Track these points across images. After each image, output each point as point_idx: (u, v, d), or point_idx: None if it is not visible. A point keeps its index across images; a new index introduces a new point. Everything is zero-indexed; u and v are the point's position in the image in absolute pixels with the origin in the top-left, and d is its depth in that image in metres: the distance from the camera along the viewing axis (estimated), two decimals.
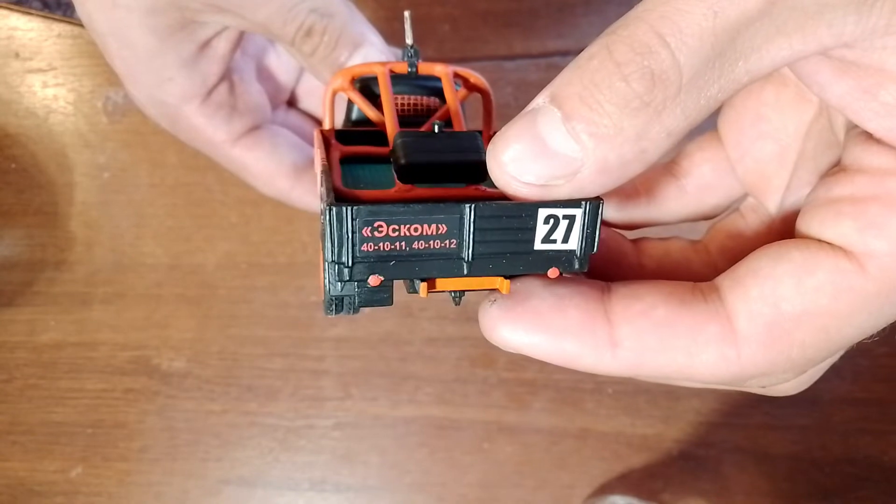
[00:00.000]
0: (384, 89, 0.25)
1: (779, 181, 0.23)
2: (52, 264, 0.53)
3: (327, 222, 0.18)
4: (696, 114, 0.17)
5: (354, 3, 0.33)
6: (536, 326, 0.19)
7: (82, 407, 0.52)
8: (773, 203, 0.23)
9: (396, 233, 0.18)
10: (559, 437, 0.52)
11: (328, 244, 0.18)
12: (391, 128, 0.23)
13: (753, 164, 0.23)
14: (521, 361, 0.52)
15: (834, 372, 0.52)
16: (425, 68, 0.27)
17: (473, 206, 0.18)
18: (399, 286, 0.21)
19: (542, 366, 0.52)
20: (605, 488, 0.51)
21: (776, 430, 0.52)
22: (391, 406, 0.52)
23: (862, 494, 0.51)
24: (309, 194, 0.36)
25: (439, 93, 0.28)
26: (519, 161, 0.18)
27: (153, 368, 0.52)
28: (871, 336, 0.19)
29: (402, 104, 0.28)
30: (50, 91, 0.53)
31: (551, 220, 0.19)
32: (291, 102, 0.41)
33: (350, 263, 0.18)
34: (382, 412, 0.52)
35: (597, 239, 0.19)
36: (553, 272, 0.20)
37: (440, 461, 0.52)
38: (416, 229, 0.18)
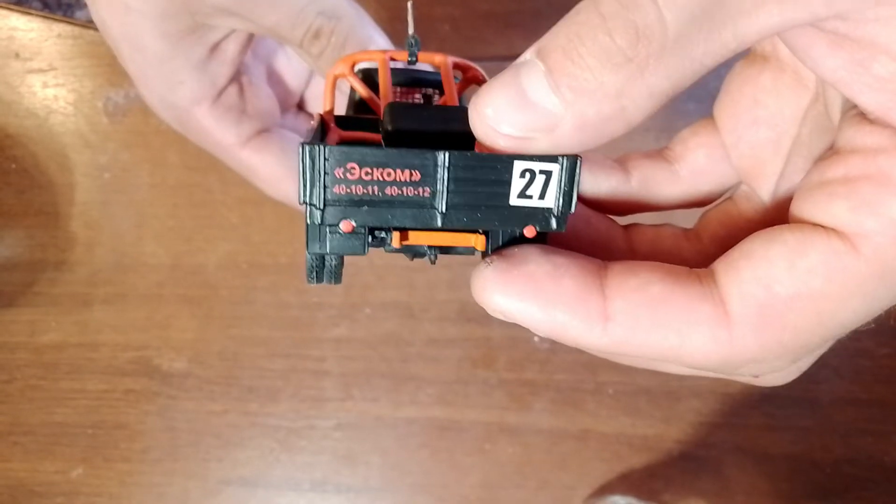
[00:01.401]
0: (383, 74, 0.26)
1: (773, 168, 0.23)
2: (53, 265, 0.53)
3: (300, 160, 0.18)
4: (679, 76, 0.17)
5: (362, 6, 0.34)
6: (530, 292, 0.19)
7: (83, 408, 0.52)
8: (766, 190, 0.23)
9: (369, 176, 0.18)
10: (560, 437, 0.52)
11: (301, 184, 0.18)
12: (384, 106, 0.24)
13: (748, 150, 0.23)
14: (521, 362, 0.52)
15: (835, 372, 0.52)
16: (425, 58, 0.27)
17: (448, 153, 0.18)
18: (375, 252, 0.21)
19: (543, 366, 0.52)
20: (606, 488, 0.51)
21: (777, 430, 0.52)
22: (392, 407, 0.52)
23: (863, 495, 0.51)
24: None
25: (437, 84, 0.28)
26: (499, 112, 0.18)
27: (154, 369, 0.52)
28: (867, 323, 0.19)
29: (401, 95, 0.28)
30: (50, 91, 0.53)
31: (527, 175, 0.19)
32: (301, 106, 0.41)
33: (322, 205, 0.18)
34: (384, 413, 0.52)
35: (574, 198, 0.19)
36: (529, 230, 0.20)
37: (441, 462, 0.52)
38: (388, 174, 0.18)
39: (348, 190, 0.18)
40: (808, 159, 0.22)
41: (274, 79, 0.38)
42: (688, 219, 0.26)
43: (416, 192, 0.19)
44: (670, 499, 0.51)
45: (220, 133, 0.34)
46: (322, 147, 0.18)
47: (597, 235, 0.24)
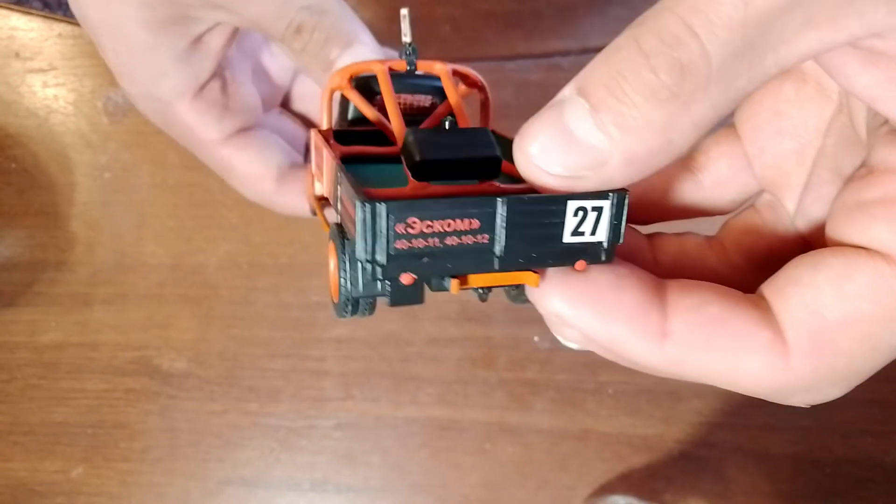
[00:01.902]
0: (386, 87, 0.25)
1: (797, 178, 0.23)
2: (54, 265, 0.53)
3: (361, 220, 0.17)
4: (724, 105, 0.17)
5: (353, 3, 0.33)
6: (591, 301, 0.19)
7: (83, 407, 0.52)
8: (790, 200, 0.23)
9: (430, 229, 0.18)
10: (560, 437, 0.52)
11: (361, 243, 0.18)
12: (397, 126, 0.23)
13: (772, 161, 0.23)
14: (522, 362, 0.52)
15: None
16: (424, 66, 0.27)
17: (506, 199, 0.18)
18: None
19: (543, 366, 0.52)
20: (607, 489, 0.51)
21: (778, 430, 0.52)
22: (393, 406, 0.52)
23: (864, 495, 0.51)
24: (293, 198, 0.36)
25: (434, 91, 0.28)
26: (546, 152, 0.18)
27: (154, 369, 0.52)
28: None
29: (400, 103, 0.28)
30: (51, 91, 0.53)
31: (580, 213, 0.19)
32: (286, 104, 0.41)
33: (385, 262, 0.18)
34: (384, 413, 0.52)
35: (622, 230, 0.19)
36: (580, 264, 0.20)
37: (442, 462, 0.51)
38: (448, 225, 0.18)
39: (410, 244, 0.18)
40: (834, 171, 0.22)
41: (258, 75, 0.38)
42: (683, 225, 0.26)
43: (475, 240, 0.18)
44: (671, 499, 0.51)
45: (201, 128, 0.34)
46: (385, 205, 0.17)
47: (622, 246, 0.24)
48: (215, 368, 0.52)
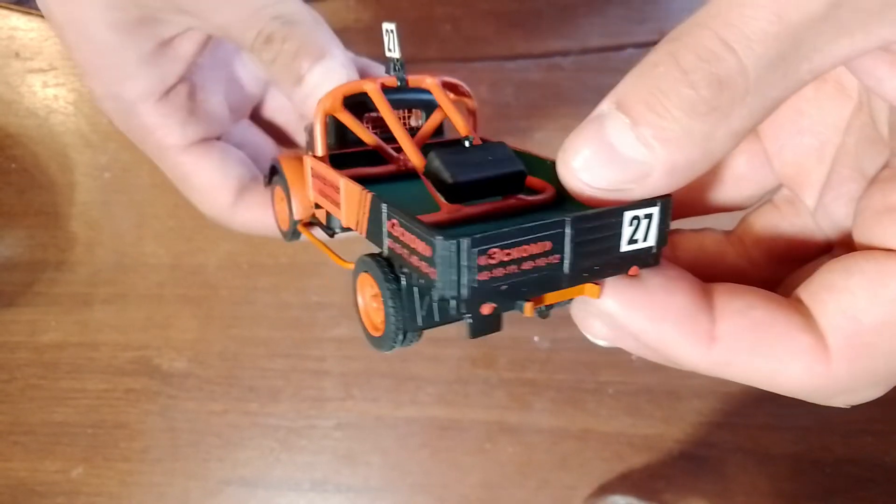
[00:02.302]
0: (383, 106, 0.25)
1: (817, 175, 0.23)
2: (54, 265, 0.53)
3: (443, 257, 0.17)
4: (761, 114, 0.18)
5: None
6: (642, 301, 0.19)
7: (83, 407, 0.52)
8: (810, 196, 0.24)
9: (508, 257, 0.18)
10: (560, 437, 0.52)
11: (444, 279, 0.17)
12: (410, 147, 0.23)
13: (792, 158, 0.24)
14: (522, 362, 0.52)
15: None
16: (414, 81, 0.27)
17: (572, 218, 0.18)
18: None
19: (544, 366, 0.52)
20: (607, 488, 0.51)
21: (778, 430, 0.52)
22: (393, 406, 0.52)
23: (864, 495, 0.51)
24: (252, 214, 0.35)
25: (421, 104, 0.28)
26: (590, 168, 0.18)
27: (154, 369, 0.52)
28: None
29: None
30: (51, 91, 0.53)
31: (635, 222, 0.19)
32: (256, 116, 0.40)
33: (468, 296, 0.18)
34: (384, 413, 0.52)
35: (667, 233, 0.20)
36: (633, 270, 0.20)
37: (442, 462, 0.51)
38: (524, 251, 0.18)
39: (491, 275, 0.18)
40: (856, 169, 0.22)
41: (229, 84, 0.37)
42: (701, 221, 0.26)
43: (547, 261, 0.18)
44: (671, 499, 0.51)
45: (163, 132, 0.33)
46: (466, 240, 0.17)
47: None
48: (215, 368, 0.52)
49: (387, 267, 0.21)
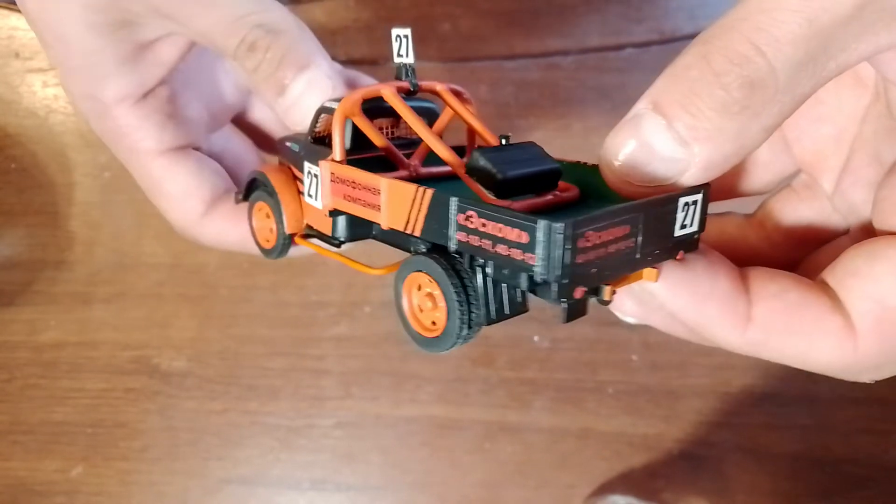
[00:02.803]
0: (404, 110, 0.25)
1: (835, 162, 0.24)
2: (53, 264, 0.53)
3: (545, 242, 0.18)
4: (790, 109, 0.19)
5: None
6: (688, 287, 0.20)
7: (83, 406, 0.52)
8: (828, 182, 0.25)
9: (599, 240, 0.18)
10: (560, 436, 0.52)
11: (543, 264, 0.18)
12: (440, 147, 0.24)
13: (811, 145, 0.25)
14: (522, 361, 0.52)
15: None
16: (426, 87, 0.27)
17: (644, 203, 0.19)
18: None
19: (543, 365, 0.52)
20: (606, 487, 0.51)
21: (777, 429, 0.52)
22: (392, 405, 0.52)
23: (863, 494, 0.51)
24: (222, 226, 0.34)
25: (422, 111, 0.28)
26: (630, 166, 0.19)
27: (154, 368, 0.52)
28: None
29: (383, 129, 0.29)
30: (50, 91, 0.53)
31: (686, 208, 0.20)
32: (239, 124, 0.39)
33: (568, 279, 0.18)
34: (384, 411, 0.52)
35: (706, 218, 0.21)
36: (679, 255, 0.21)
37: (441, 460, 0.51)
38: (611, 234, 0.19)
39: (586, 258, 0.18)
40: (873, 156, 0.23)
41: (211, 92, 0.36)
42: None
43: (625, 245, 0.19)
44: (671, 498, 0.51)
45: (139, 135, 0.32)
46: (567, 223, 0.18)
47: None
48: (215, 367, 0.52)
49: (451, 262, 0.22)
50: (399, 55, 0.27)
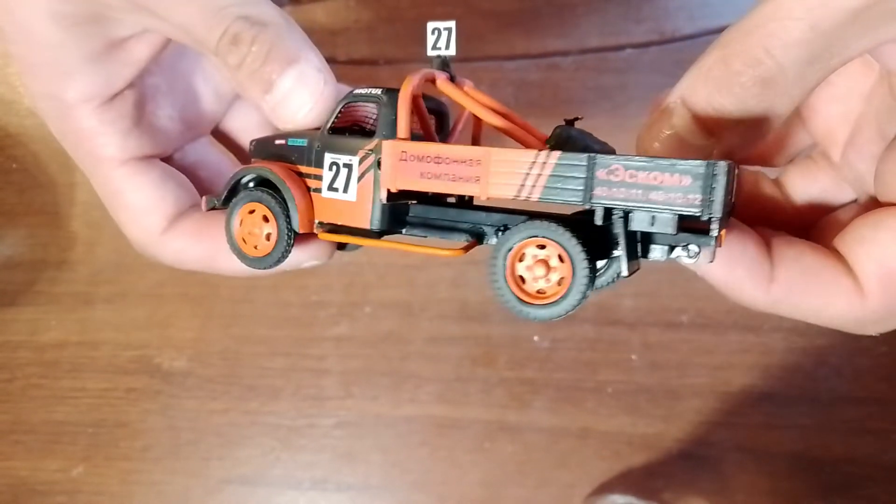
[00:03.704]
0: (474, 96, 0.26)
1: (843, 136, 0.27)
2: (54, 264, 0.53)
3: (706, 182, 0.21)
4: (800, 98, 0.22)
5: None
6: (722, 250, 0.23)
7: (84, 406, 0.52)
8: (836, 153, 0.28)
9: (733, 185, 0.22)
10: (560, 436, 0.52)
11: (707, 203, 0.21)
12: (527, 128, 0.26)
13: (822, 122, 0.28)
14: (521, 360, 0.52)
15: (834, 371, 0.52)
16: (459, 82, 0.28)
17: (730, 164, 0.21)
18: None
19: (543, 365, 0.52)
20: (606, 487, 0.51)
21: (777, 429, 0.52)
22: (392, 405, 0.52)
23: (863, 494, 0.51)
24: (185, 244, 0.31)
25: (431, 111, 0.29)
26: (663, 153, 0.23)
27: (155, 368, 0.53)
28: None
29: (347, 111, 0.28)
30: None
31: (734, 175, 0.22)
32: (217, 135, 0.36)
33: (726, 216, 0.21)
34: (384, 411, 0.52)
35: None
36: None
37: (441, 460, 0.52)
38: (734, 184, 0.22)
39: (731, 199, 0.21)
40: (877, 132, 0.26)
41: (186, 100, 0.33)
42: None
43: (732, 200, 0.23)
44: (670, 497, 0.51)
45: (101, 140, 0.29)
46: (730, 163, 0.21)
47: None
48: (216, 367, 0.52)
49: (572, 224, 0.23)
50: (435, 48, 0.27)
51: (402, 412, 0.52)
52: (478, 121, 0.28)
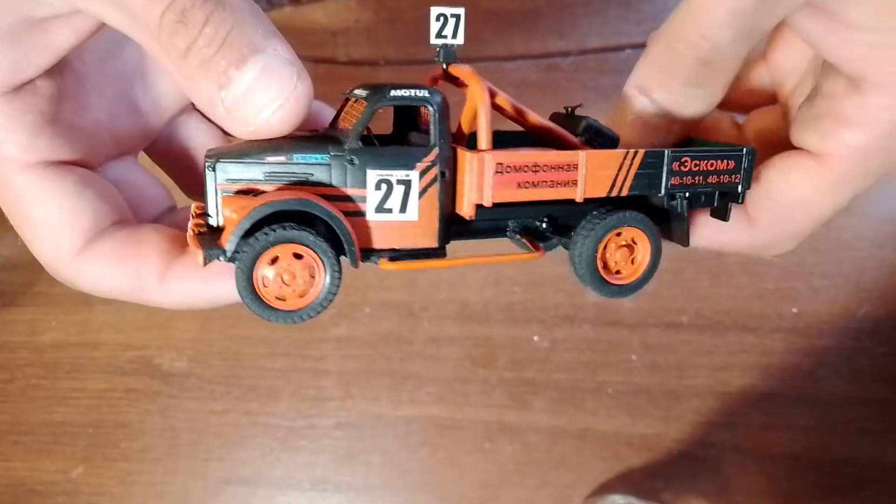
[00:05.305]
0: (506, 97, 0.27)
1: (791, 84, 0.32)
2: None
3: (745, 164, 0.27)
4: (737, 66, 0.26)
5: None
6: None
7: (84, 407, 0.52)
8: (785, 97, 0.33)
9: None
10: (560, 436, 0.52)
11: (743, 180, 0.27)
12: (559, 131, 0.27)
13: (780, 75, 0.32)
14: (521, 361, 0.52)
15: (833, 372, 0.52)
16: (456, 71, 0.26)
17: (748, 149, 0.27)
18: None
19: (543, 365, 0.52)
20: (606, 487, 0.51)
21: (776, 429, 0.52)
22: (392, 406, 0.52)
23: (862, 494, 0.51)
24: (102, 267, 0.25)
25: (423, 102, 0.27)
26: (632, 135, 0.27)
27: (155, 368, 0.53)
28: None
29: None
30: None
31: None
32: (154, 154, 0.31)
33: (749, 187, 0.27)
34: (383, 412, 0.52)
35: None
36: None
37: (441, 460, 0.52)
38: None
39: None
40: (808, 88, 0.29)
41: (118, 108, 0.28)
42: None
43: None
44: (670, 498, 0.51)
45: (2, 136, 0.24)
46: (753, 148, 0.27)
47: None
48: (215, 368, 0.52)
49: (645, 209, 0.26)
50: (440, 35, 0.24)
51: (402, 413, 0.52)
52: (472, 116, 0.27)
